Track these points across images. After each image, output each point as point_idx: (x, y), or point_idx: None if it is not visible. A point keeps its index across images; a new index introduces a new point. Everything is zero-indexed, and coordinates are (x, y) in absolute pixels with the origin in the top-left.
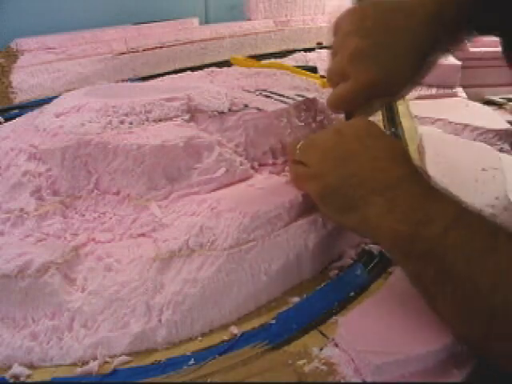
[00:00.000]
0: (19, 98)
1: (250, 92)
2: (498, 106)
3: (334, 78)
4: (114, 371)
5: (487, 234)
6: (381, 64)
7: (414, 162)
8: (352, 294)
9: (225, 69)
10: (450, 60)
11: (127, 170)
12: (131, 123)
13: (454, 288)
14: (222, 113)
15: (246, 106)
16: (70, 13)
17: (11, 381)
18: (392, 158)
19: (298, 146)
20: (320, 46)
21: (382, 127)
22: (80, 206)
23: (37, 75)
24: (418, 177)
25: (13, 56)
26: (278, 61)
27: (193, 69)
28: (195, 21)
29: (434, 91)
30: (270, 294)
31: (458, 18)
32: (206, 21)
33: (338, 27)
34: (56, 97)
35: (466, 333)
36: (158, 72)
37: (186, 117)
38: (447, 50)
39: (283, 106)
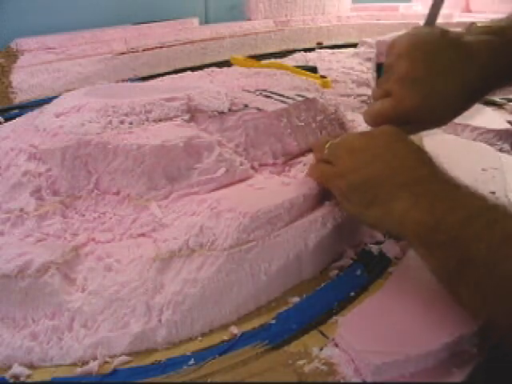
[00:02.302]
0: (19, 98)
1: (250, 92)
2: (498, 106)
3: (378, 92)
4: (114, 371)
5: (508, 226)
6: (426, 94)
7: (435, 164)
8: (352, 293)
9: (225, 69)
10: None
11: (127, 170)
12: (131, 123)
13: (479, 276)
14: (222, 113)
15: (246, 106)
16: (70, 13)
17: (11, 381)
18: (418, 159)
19: (327, 146)
20: (320, 45)
21: None
22: (80, 205)
23: (37, 75)
24: (443, 175)
25: (13, 56)
26: (278, 61)
27: (193, 69)
28: (195, 21)
29: None
30: (269, 294)
31: (510, 67)
32: (205, 21)
33: (392, 47)
34: (56, 97)
35: (493, 320)
36: (158, 72)
37: (186, 117)
38: (497, 90)
39: (283, 105)
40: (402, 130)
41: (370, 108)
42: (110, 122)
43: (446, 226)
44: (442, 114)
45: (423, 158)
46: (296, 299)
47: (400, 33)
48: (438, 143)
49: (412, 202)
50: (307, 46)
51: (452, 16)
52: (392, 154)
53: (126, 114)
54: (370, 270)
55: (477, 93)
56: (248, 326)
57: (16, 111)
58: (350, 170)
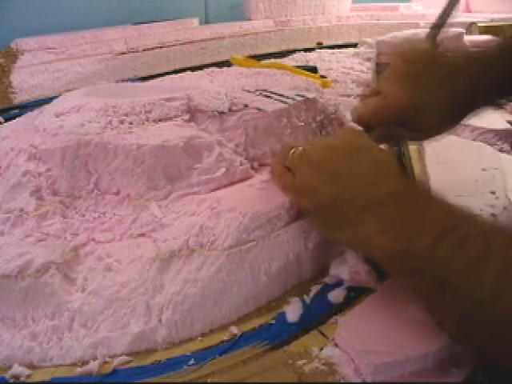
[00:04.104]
0: (19, 98)
1: (249, 92)
2: (498, 106)
3: (368, 92)
4: (114, 371)
5: (481, 241)
6: (414, 93)
7: (401, 175)
8: (352, 294)
9: (225, 69)
10: None
11: (127, 170)
12: (131, 123)
13: (451, 300)
14: (222, 113)
15: (246, 106)
16: (70, 13)
17: (11, 381)
18: (381, 174)
19: (291, 152)
20: (320, 46)
21: None
22: (80, 205)
23: (37, 75)
24: (411, 189)
25: (13, 56)
26: (278, 61)
27: (193, 69)
28: (195, 21)
29: None
30: (269, 293)
31: (500, 79)
32: (205, 21)
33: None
34: (56, 97)
35: (468, 340)
36: (158, 72)
37: (186, 117)
38: (490, 104)
39: (283, 105)
40: (361, 133)
41: (357, 106)
42: (110, 122)
43: (416, 251)
44: (429, 119)
45: (388, 170)
46: (296, 299)
47: (399, 33)
48: (438, 143)
49: (377, 228)
50: (307, 46)
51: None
52: (354, 168)
53: (126, 114)
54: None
55: (466, 105)
56: (248, 326)
57: (16, 111)
58: (315, 187)
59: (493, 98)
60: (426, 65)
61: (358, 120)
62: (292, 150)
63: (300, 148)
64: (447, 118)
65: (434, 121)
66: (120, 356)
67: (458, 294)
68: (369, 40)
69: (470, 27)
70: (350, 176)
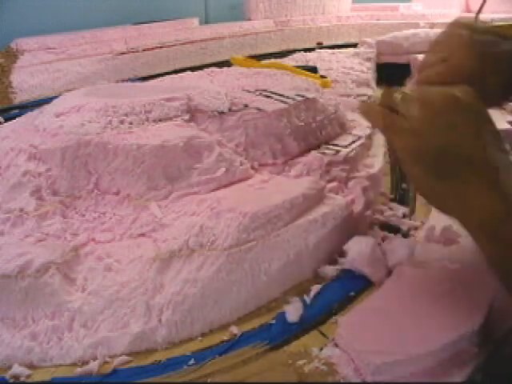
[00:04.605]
0: (19, 98)
1: (250, 92)
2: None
3: (427, 64)
4: (114, 371)
5: None
6: (482, 59)
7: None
8: (352, 293)
9: (225, 69)
10: None
11: (127, 170)
12: (131, 123)
13: None
14: (222, 113)
15: (246, 106)
16: (70, 13)
17: (11, 381)
18: (497, 144)
19: (401, 96)
20: (320, 45)
21: None
22: (80, 205)
23: (37, 75)
24: None
25: (13, 56)
26: (278, 61)
27: (193, 69)
28: (195, 21)
29: None
30: (269, 293)
31: None
32: (205, 21)
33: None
34: (56, 97)
35: None
36: (158, 72)
37: (186, 117)
38: None
39: (283, 105)
40: (480, 101)
41: (424, 73)
42: (110, 122)
43: None
44: (499, 86)
45: (499, 143)
46: (296, 299)
47: (399, 32)
48: None
49: (485, 189)
50: (307, 46)
51: (452, 16)
52: (475, 129)
53: (126, 114)
54: None
55: None
56: (248, 326)
57: (16, 111)
58: (429, 131)
59: None
60: (487, 35)
61: (426, 81)
62: (400, 93)
63: (410, 91)
64: (508, 90)
65: (497, 89)
66: (120, 356)
67: None
68: (369, 40)
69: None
70: (471, 134)
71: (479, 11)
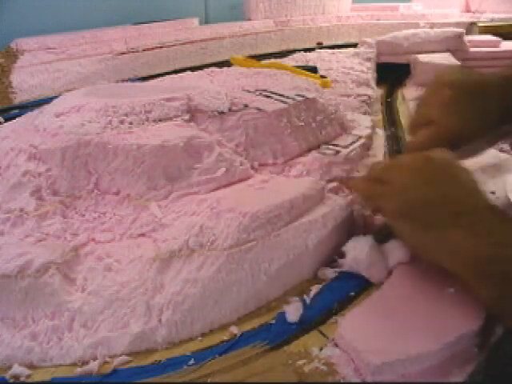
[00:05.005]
0: (19, 98)
1: (250, 92)
2: None
3: (418, 125)
4: (114, 371)
5: None
6: (466, 119)
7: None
8: (352, 293)
9: (225, 69)
10: (450, 60)
11: (127, 170)
12: (131, 123)
13: None
14: (222, 113)
15: (246, 106)
16: (70, 13)
17: (11, 381)
18: (474, 189)
19: (381, 166)
20: (320, 46)
21: (383, 127)
22: (80, 205)
23: (37, 75)
24: (496, 207)
25: (13, 56)
26: (278, 61)
27: (193, 69)
28: (195, 21)
29: None
30: (269, 294)
31: None
32: (205, 21)
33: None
34: (56, 97)
35: None
36: (158, 72)
37: (186, 117)
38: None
39: (283, 105)
40: (454, 157)
41: (412, 141)
42: (110, 122)
43: (502, 259)
44: (470, 139)
45: (477, 189)
46: (296, 299)
47: (399, 32)
48: None
49: (468, 233)
50: (307, 46)
51: (452, 16)
52: (451, 180)
53: (126, 114)
54: None
55: (494, 121)
56: (248, 326)
57: (16, 111)
58: (408, 187)
59: None
60: (470, 89)
61: (417, 147)
62: (379, 164)
63: (388, 162)
64: (479, 134)
65: (477, 143)
66: (120, 356)
67: None
68: (369, 40)
69: (470, 27)
70: (447, 185)
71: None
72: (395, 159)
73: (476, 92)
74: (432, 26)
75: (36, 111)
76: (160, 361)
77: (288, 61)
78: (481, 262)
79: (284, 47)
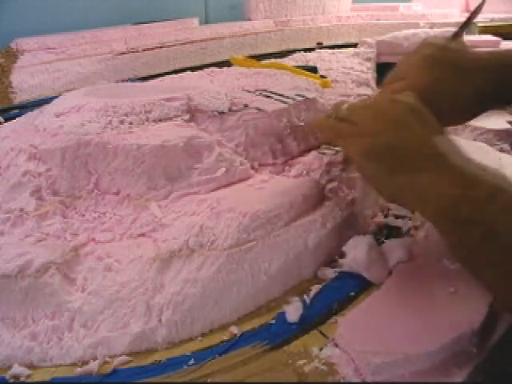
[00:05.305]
0: (19, 98)
1: (250, 92)
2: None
3: (391, 80)
4: (114, 371)
5: None
6: (441, 80)
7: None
8: (352, 293)
9: (225, 69)
10: None
11: (127, 170)
12: (131, 123)
13: (503, 254)
14: (222, 113)
15: (246, 106)
16: (70, 13)
17: (11, 381)
18: (443, 132)
19: (346, 106)
20: (320, 45)
21: None
22: (80, 205)
23: (37, 75)
24: (465, 153)
25: (13, 56)
26: (278, 61)
27: (193, 69)
28: (195, 21)
29: None
30: (269, 293)
31: None
32: (205, 21)
33: (408, 56)
34: (56, 97)
35: None
36: (158, 72)
37: (186, 117)
38: (499, 106)
39: (283, 105)
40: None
41: (380, 92)
42: (110, 122)
43: (470, 200)
44: (451, 107)
45: (445, 133)
46: (296, 299)
47: (399, 32)
48: None
49: (437, 175)
50: (307, 46)
51: (452, 16)
52: (419, 123)
53: (126, 114)
54: None
55: (487, 100)
56: (248, 326)
57: (16, 111)
58: (376, 131)
59: (505, 101)
60: (451, 53)
61: None
62: (346, 104)
63: (357, 102)
64: (466, 110)
65: (453, 109)
66: (120, 356)
67: (508, 252)
68: (369, 40)
69: (470, 27)
70: (416, 128)
71: (472, 17)
72: (361, 101)
73: (456, 59)
74: (432, 26)
75: (36, 111)
76: (160, 361)
77: (288, 61)
78: (451, 205)
79: (284, 47)
